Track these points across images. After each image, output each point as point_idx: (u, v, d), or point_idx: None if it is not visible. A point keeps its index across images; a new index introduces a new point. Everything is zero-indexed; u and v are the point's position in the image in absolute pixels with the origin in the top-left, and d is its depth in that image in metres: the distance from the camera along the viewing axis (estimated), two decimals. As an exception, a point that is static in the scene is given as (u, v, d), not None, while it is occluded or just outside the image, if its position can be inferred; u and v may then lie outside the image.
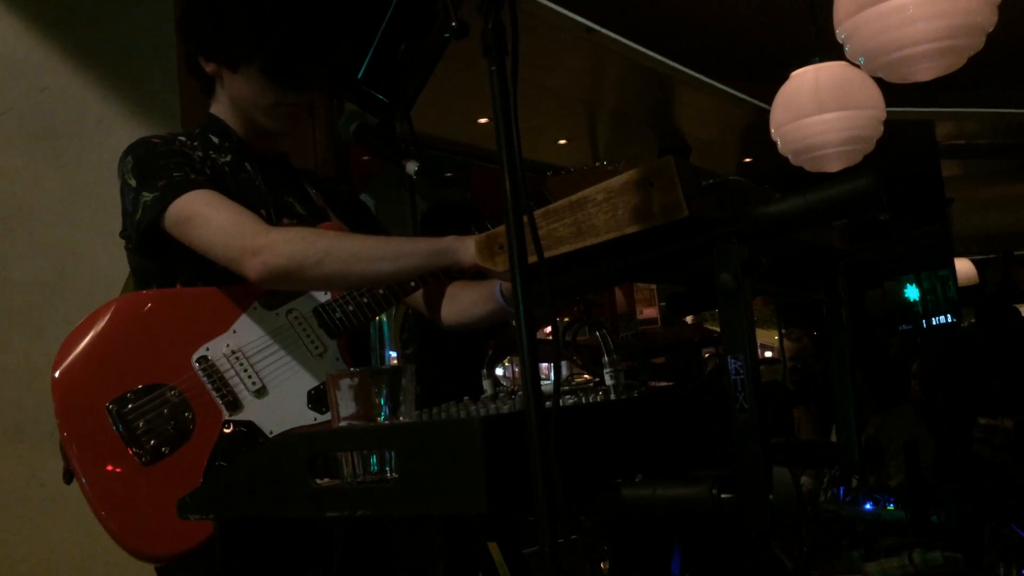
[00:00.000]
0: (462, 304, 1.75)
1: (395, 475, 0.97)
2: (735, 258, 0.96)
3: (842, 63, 3.27)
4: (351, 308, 1.61)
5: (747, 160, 8.06)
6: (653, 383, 1.53)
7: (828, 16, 2.79)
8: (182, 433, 1.49)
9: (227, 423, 1.52)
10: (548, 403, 0.90)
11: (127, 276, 1.70)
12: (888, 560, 2.80)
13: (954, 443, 4.20)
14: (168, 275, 1.59)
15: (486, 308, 1.70)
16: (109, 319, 1.54)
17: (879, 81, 3.10)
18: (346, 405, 1.07)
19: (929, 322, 6.30)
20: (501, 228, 1.21)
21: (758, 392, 0.95)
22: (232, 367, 1.54)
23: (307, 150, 2.64)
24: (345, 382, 1.07)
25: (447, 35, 1.25)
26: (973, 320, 6.87)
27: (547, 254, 1.03)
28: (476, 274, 1.60)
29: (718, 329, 1.01)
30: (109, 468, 1.47)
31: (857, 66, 2.96)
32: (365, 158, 3.45)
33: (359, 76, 2.01)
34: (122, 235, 1.62)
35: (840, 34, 2.74)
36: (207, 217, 1.50)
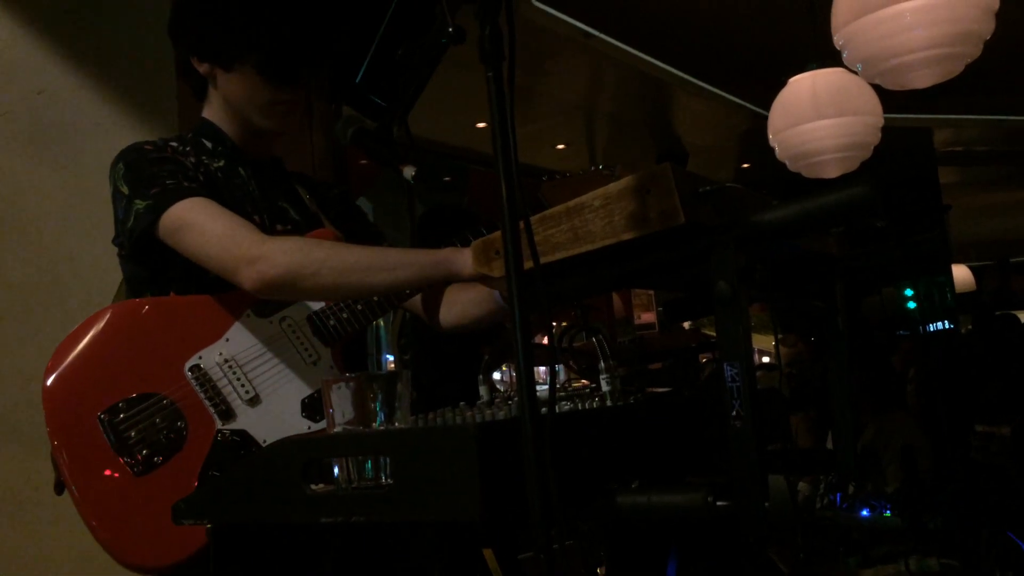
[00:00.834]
0: (460, 306, 1.74)
1: (390, 481, 0.97)
2: (731, 265, 0.96)
3: (840, 69, 3.27)
4: (345, 315, 1.60)
5: (745, 166, 8.08)
6: (650, 389, 1.53)
7: (826, 22, 2.79)
8: (175, 443, 1.48)
9: (220, 432, 1.50)
10: (544, 409, 0.90)
11: (120, 283, 1.69)
12: (884, 567, 2.80)
13: (951, 449, 4.20)
14: (161, 283, 1.58)
15: (484, 308, 1.70)
16: (101, 327, 1.53)
17: (877, 88, 3.10)
18: (341, 411, 1.07)
19: (926, 328, 6.31)
20: (497, 233, 1.21)
21: (754, 399, 0.95)
22: (225, 376, 1.53)
23: (305, 154, 2.64)
24: (341, 387, 1.07)
25: (444, 40, 1.25)
26: (970, 327, 6.89)
27: (544, 260, 1.03)
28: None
29: (715, 335, 1.01)
30: (101, 478, 1.45)
31: (855, 72, 2.97)
32: (363, 162, 3.45)
33: (357, 80, 2.01)
34: (115, 242, 1.61)
35: (838, 40, 2.74)
36: (201, 226, 1.49)
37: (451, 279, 1.49)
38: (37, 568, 2.63)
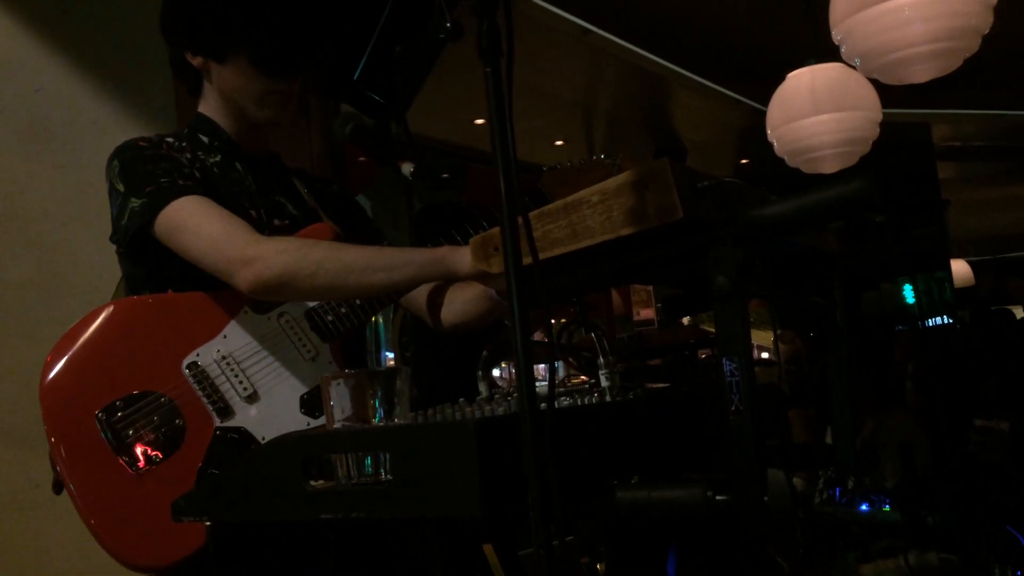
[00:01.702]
0: (459, 304, 1.73)
1: (389, 477, 0.97)
2: (730, 261, 0.96)
3: (838, 64, 3.26)
4: (343, 310, 1.59)
5: (744, 161, 8.08)
6: (649, 385, 1.53)
7: (824, 17, 2.79)
8: (173, 441, 1.47)
9: (218, 430, 1.50)
10: (543, 405, 0.90)
11: (119, 280, 1.69)
12: (884, 562, 2.80)
13: (950, 445, 4.20)
14: (159, 280, 1.58)
15: (484, 305, 1.69)
16: (98, 325, 1.52)
17: (875, 82, 3.10)
18: (341, 407, 1.07)
19: (925, 324, 6.31)
20: (496, 230, 1.20)
21: (753, 395, 0.95)
22: (223, 373, 1.53)
23: (303, 151, 2.63)
24: (340, 384, 1.07)
25: (442, 36, 1.25)
26: (966, 321, 6.89)
27: (542, 256, 1.03)
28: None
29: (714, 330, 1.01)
30: (98, 477, 1.44)
31: (853, 67, 2.96)
32: (361, 159, 3.44)
33: (355, 77, 2.01)
34: (112, 240, 1.61)
35: (836, 35, 2.74)
36: (197, 226, 1.48)
37: (449, 277, 1.48)
38: (37, 567, 2.63)
